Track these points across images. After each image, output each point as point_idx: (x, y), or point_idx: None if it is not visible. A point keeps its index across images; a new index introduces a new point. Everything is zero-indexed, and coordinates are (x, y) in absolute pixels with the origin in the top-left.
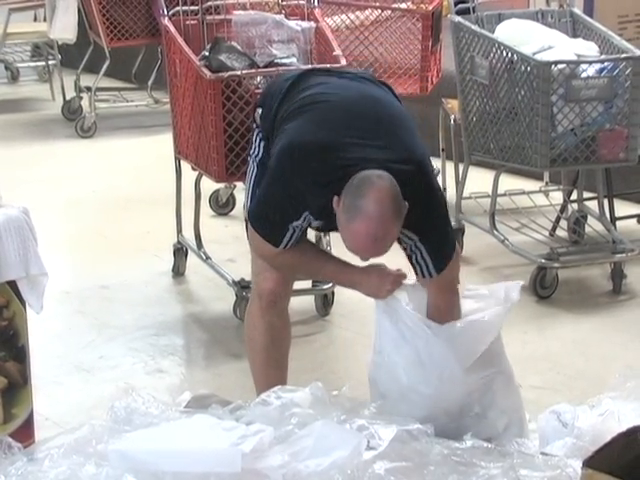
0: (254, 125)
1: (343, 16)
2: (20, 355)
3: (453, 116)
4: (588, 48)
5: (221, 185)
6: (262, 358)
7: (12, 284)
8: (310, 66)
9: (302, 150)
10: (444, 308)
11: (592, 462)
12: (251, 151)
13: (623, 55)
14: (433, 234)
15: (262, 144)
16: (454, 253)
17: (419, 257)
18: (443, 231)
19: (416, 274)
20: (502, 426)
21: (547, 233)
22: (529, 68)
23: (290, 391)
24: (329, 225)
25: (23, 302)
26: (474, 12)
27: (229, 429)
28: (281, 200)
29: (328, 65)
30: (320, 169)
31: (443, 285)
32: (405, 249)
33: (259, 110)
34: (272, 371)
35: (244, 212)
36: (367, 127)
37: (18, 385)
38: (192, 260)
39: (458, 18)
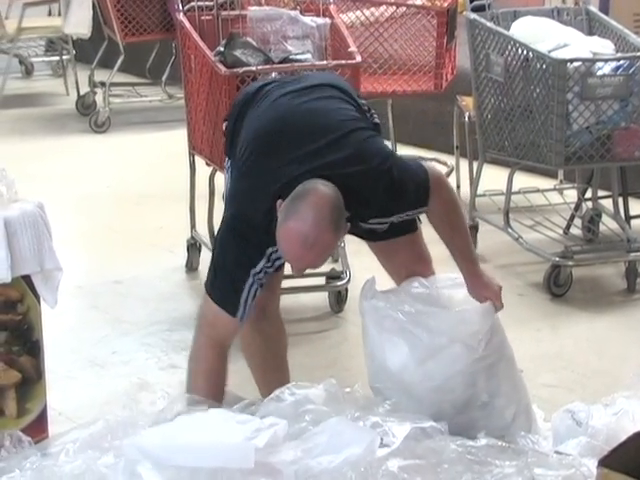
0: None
1: (358, 12)
2: (34, 350)
3: (468, 113)
4: (604, 46)
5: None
6: (261, 366)
7: (27, 278)
8: (260, 83)
9: (243, 202)
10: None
11: (608, 461)
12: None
13: (639, 53)
14: (407, 201)
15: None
16: (427, 174)
17: (408, 217)
18: (413, 189)
19: None
20: (510, 415)
21: (561, 231)
22: (545, 66)
23: (304, 388)
24: None
25: (37, 297)
26: (489, 9)
27: (243, 422)
28: (236, 249)
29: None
30: (261, 206)
31: (438, 210)
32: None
33: (224, 124)
34: (272, 375)
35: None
36: (295, 140)
37: (32, 380)
38: (205, 255)
39: (473, 15)
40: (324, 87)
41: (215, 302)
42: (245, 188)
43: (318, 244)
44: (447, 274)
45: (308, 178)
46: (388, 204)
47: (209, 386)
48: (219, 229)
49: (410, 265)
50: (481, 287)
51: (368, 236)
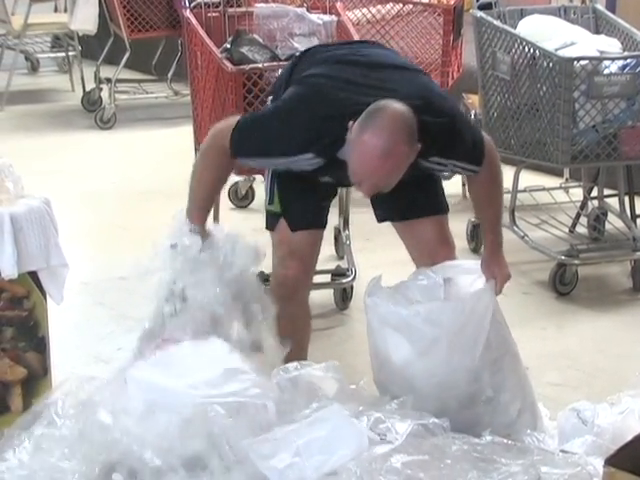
0: None
1: (364, 10)
2: (40, 346)
3: (474, 111)
4: (611, 44)
5: (241, 178)
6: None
7: (33, 275)
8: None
9: (322, 92)
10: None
11: (614, 460)
12: None
13: None
14: (464, 150)
15: None
16: (483, 139)
17: (461, 170)
18: (470, 141)
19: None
20: (515, 411)
21: (567, 230)
22: (551, 64)
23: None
24: (328, 171)
25: (44, 293)
26: (496, 7)
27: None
28: (283, 131)
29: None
30: (331, 110)
31: (484, 178)
32: (444, 172)
33: (269, 99)
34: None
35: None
36: (375, 82)
37: (38, 376)
38: None
39: (480, 13)
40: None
41: (232, 137)
42: (319, 90)
43: (393, 155)
44: (454, 261)
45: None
46: (448, 145)
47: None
48: (280, 102)
49: (435, 248)
50: (494, 263)
51: (403, 207)
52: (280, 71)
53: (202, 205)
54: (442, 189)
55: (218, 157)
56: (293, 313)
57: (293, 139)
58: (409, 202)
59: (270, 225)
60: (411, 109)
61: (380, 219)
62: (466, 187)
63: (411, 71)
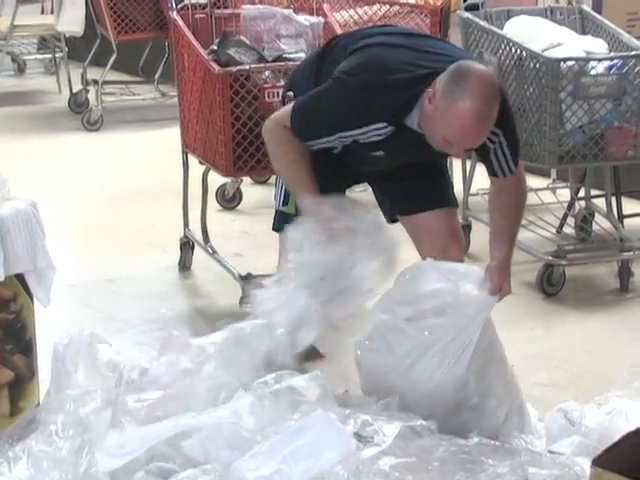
0: None
1: (351, 11)
2: (27, 348)
3: None
4: (597, 45)
5: (228, 179)
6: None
7: (20, 277)
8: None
9: (380, 65)
10: (511, 216)
11: (601, 461)
12: None
13: (632, 52)
14: (511, 128)
15: None
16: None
17: (500, 152)
18: (515, 127)
19: (493, 174)
20: (502, 416)
21: (554, 230)
22: (538, 65)
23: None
24: (393, 142)
25: (31, 295)
26: (483, 8)
27: None
28: (347, 105)
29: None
30: (403, 72)
31: (514, 191)
32: (488, 144)
33: (289, 93)
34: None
35: (275, 204)
36: (424, 43)
37: (25, 378)
38: (198, 254)
39: (467, 14)
40: None
41: (292, 121)
42: (378, 60)
43: (490, 117)
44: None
45: None
46: (502, 111)
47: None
48: (333, 81)
49: (446, 241)
50: (503, 275)
51: (414, 199)
52: (268, 73)
53: (309, 178)
54: (451, 183)
55: (289, 134)
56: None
57: (364, 109)
58: (420, 194)
59: (280, 226)
60: None
61: (390, 218)
62: (463, 186)
63: (442, 41)
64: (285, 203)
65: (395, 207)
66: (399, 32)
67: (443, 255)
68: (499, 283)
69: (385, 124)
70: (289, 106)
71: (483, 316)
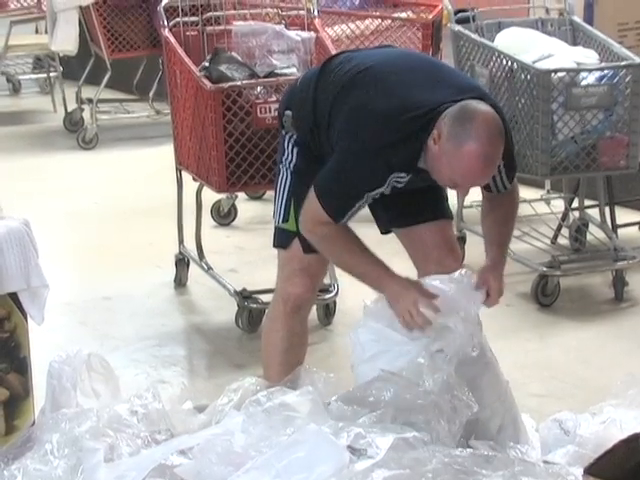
0: (282, 131)
1: (343, 26)
2: (22, 367)
3: None
4: (588, 56)
5: (222, 195)
6: (279, 362)
7: (13, 296)
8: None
9: (382, 115)
10: (504, 224)
11: (593, 469)
12: (283, 157)
13: (623, 63)
14: (510, 153)
15: (295, 150)
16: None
17: (497, 174)
18: (513, 150)
19: (487, 190)
20: (495, 427)
21: (548, 241)
22: (529, 76)
23: (288, 393)
24: (413, 181)
25: (24, 314)
26: (474, 21)
27: None
28: (364, 170)
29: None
30: (405, 124)
31: (507, 201)
32: None
33: (287, 113)
34: (287, 377)
35: (274, 220)
36: (423, 75)
37: (20, 397)
38: (194, 271)
39: (458, 27)
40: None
41: (323, 207)
42: (374, 117)
43: (495, 159)
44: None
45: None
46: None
47: None
48: (344, 149)
49: (442, 254)
50: (494, 276)
51: (409, 212)
52: (260, 89)
53: (375, 261)
54: (446, 195)
55: (334, 227)
56: (294, 329)
57: (382, 165)
58: (415, 207)
59: (280, 243)
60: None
61: (384, 229)
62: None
63: (446, 65)
64: (285, 220)
65: (390, 220)
66: (396, 57)
67: (438, 267)
68: (487, 283)
69: (404, 174)
70: (311, 198)
71: (472, 324)
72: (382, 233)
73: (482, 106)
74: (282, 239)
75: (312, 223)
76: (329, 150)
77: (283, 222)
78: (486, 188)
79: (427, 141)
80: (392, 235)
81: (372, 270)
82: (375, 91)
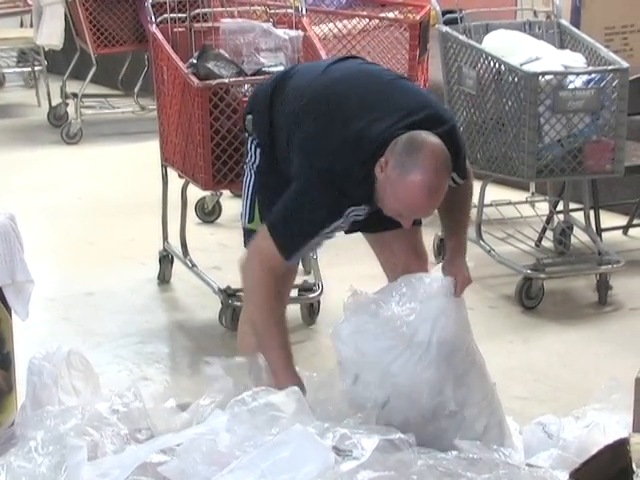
0: (246, 133)
1: (331, 25)
2: (5, 362)
3: None
4: (575, 59)
5: (207, 193)
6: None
7: None
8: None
9: (334, 145)
10: (459, 210)
11: (579, 474)
12: (247, 159)
13: (610, 67)
14: (461, 159)
15: (258, 151)
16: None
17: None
18: (465, 156)
19: None
20: (481, 427)
21: (533, 244)
22: (516, 79)
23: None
24: (374, 213)
25: (9, 309)
26: (462, 22)
27: None
28: (319, 203)
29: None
30: (356, 153)
31: (460, 189)
32: None
33: (249, 117)
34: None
35: (241, 222)
36: (374, 98)
37: (3, 392)
38: (178, 268)
39: (446, 28)
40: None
41: (275, 242)
42: (326, 148)
43: (440, 190)
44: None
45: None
46: (452, 154)
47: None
48: (299, 181)
49: (408, 259)
50: (456, 266)
51: (378, 219)
52: (247, 87)
53: (283, 346)
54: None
55: (273, 280)
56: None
57: (338, 199)
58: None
59: (249, 243)
60: (420, 124)
61: (350, 231)
62: None
63: (397, 80)
64: (251, 220)
65: (358, 225)
66: (349, 77)
67: (405, 273)
68: (452, 274)
69: (363, 206)
70: (262, 233)
71: (445, 312)
72: (346, 233)
73: (430, 137)
74: (250, 240)
75: (256, 260)
76: (286, 155)
77: (249, 223)
78: None
79: (375, 169)
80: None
81: (275, 355)
82: (327, 119)
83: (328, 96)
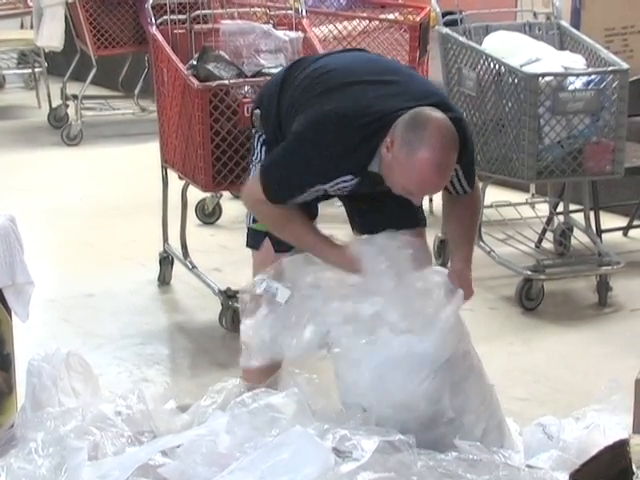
0: (253, 130)
1: (331, 26)
2: (5, 363)
3: None
4: (575, 61)
5: (207, 194)
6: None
7: None
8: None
9: (337, 118)
10: (469, 224)
11: (579, 475)
12: (253, 157)
13: (610, 68)
14: (469, 159)
15: (263, 149)
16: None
17: (455, 179)
18: (473, 153)
19: (447, 191)
20: (480, 432)
21: (533, 245)
22: (516, 80)
23: (273, 395)
24: (361, 186)
25: (9, 310)
26: (462, 24)
27: None
28: (311, 163)
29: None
30: (358, 128)
31: (469, 201)
32: None
33: (257, 112)
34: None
35: (246, 221)
36: (381, 82)
37: (3, 393)
38: (178, 269)
39: (446, 29)
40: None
41: (263, 186)
42: (334, 117)
43: (449, 167)
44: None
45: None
46: (461, 144)
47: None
48: (304, 133)
49: None
50: (463, 278)
51: (384, 220)
52: (247, 88)
53: (319, 238)
54: (421, 202)
55: (271, 206)
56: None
57: (330, 163)
58: (390, 215)
59: (252, 243)
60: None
61: (359, 232)
62: (433, 202)
63: (404, 69)
64: (255, 220)
65: (364, 225)
66: (359, 63)
67: None
68: (459, 285)
69: (352, 176)
70: (255, 175)
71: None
72: (358, 234)
73: (435, 113)
74: (253, 240)
75: (251, 200)
76: None
77: (253, 222)
78: (445, 189)
79: (380, 149)
80: None
81: (315, 242)
82: (334, 95)
83: (339, 73)
